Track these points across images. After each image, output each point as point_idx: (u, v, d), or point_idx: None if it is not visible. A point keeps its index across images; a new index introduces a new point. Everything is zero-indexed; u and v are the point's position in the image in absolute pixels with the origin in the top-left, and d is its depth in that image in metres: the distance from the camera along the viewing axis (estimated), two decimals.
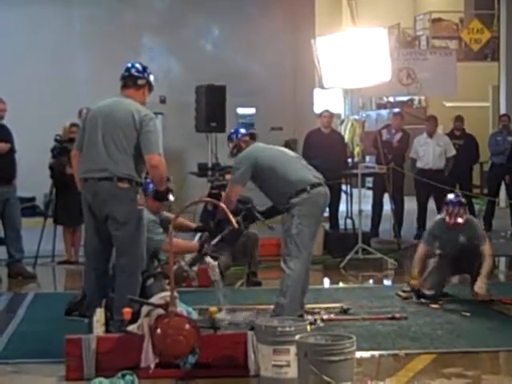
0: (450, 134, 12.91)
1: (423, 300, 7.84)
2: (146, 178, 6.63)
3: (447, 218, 7.86)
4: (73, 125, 10.30)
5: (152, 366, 5.51)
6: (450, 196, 8.11)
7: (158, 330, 5.49)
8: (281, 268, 6.63)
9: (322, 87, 11.25)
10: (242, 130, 7.19)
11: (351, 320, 7.12)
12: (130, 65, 6.38)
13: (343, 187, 12.02)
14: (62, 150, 10.11)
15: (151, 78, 6.40)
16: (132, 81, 6.29)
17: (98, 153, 6.07)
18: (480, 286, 7.71)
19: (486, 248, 7.85)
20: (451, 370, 5.73)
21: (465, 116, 13.31)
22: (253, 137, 7.11)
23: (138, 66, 6.37)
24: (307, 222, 6.59)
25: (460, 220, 7.84)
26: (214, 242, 7.28)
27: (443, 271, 8.01)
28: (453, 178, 12.23)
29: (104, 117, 6.16)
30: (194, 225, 7.84)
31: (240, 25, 14.38)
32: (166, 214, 7.46)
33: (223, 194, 7.34)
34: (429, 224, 8.27)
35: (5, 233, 9.64)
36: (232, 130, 7.30)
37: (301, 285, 6.63)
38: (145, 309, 5.73)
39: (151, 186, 7.11)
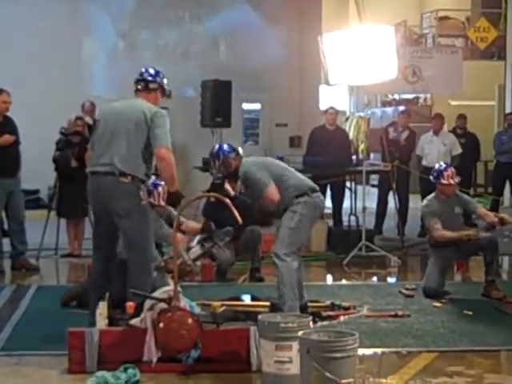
0: (453, 132, 12.89)
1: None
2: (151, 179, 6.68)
3: (444, 181, 8.01)
4: (78, 118, 10.33)
5: (154, 359, 5.52)
6: (438, 164, 8.32)
7: (161, 324, 5.50)
8: (273, 262, 6.69)
9: (327, 84, 11.23)
10: (227, 147, 7.12)
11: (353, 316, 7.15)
12: (143, 69, 6.45)
13: (347, 184, 12.01)
14: (66, 142, 10.13)
15: (164, 81, 6.47)
16: (144, 84, 6.37)
17: (106, 148, 6.15)
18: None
19: (481, 209, 8.20)
20: (453, 369, 5.73)
21: (470, 114, 13.27)
22: (238, 153, 7.09)
23: (150, 70, 6.44)
24: (306, 221, 6.77)
25: (456, 180, 8.03)
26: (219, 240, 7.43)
27: (442, 264, 8.06)
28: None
29: (116, 115, 6.25)
30: (199, 225, 7.90)
31: (246, 20, 14.35)
32: (172, 210, 7.48)
33: (226, 185, 7.36)
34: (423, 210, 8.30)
35: (8, 225, 9.64)
36: (216, 148, 7.15)
37: (296, 275, 6.71)
38: (148, 303, 5.73)
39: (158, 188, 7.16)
